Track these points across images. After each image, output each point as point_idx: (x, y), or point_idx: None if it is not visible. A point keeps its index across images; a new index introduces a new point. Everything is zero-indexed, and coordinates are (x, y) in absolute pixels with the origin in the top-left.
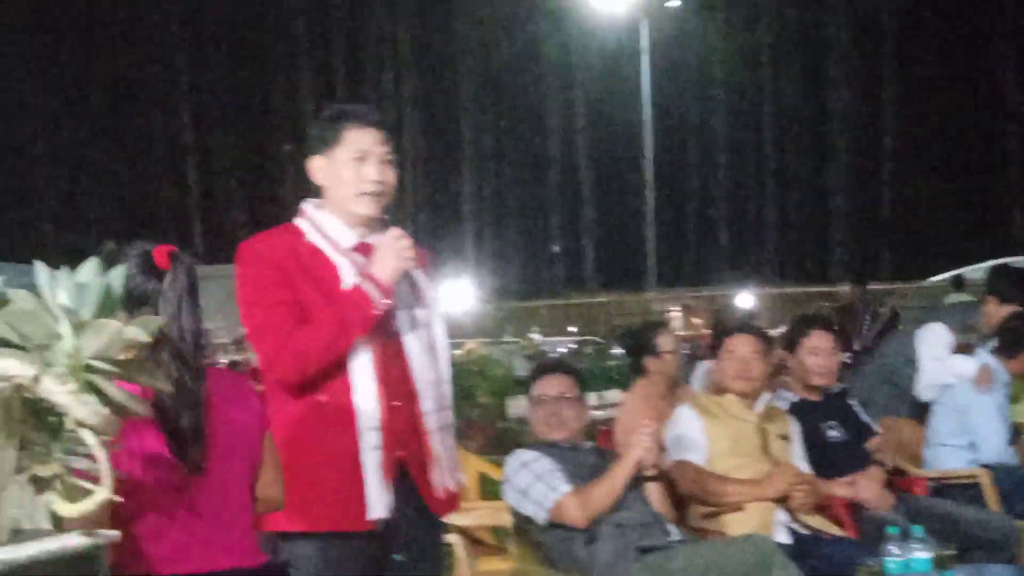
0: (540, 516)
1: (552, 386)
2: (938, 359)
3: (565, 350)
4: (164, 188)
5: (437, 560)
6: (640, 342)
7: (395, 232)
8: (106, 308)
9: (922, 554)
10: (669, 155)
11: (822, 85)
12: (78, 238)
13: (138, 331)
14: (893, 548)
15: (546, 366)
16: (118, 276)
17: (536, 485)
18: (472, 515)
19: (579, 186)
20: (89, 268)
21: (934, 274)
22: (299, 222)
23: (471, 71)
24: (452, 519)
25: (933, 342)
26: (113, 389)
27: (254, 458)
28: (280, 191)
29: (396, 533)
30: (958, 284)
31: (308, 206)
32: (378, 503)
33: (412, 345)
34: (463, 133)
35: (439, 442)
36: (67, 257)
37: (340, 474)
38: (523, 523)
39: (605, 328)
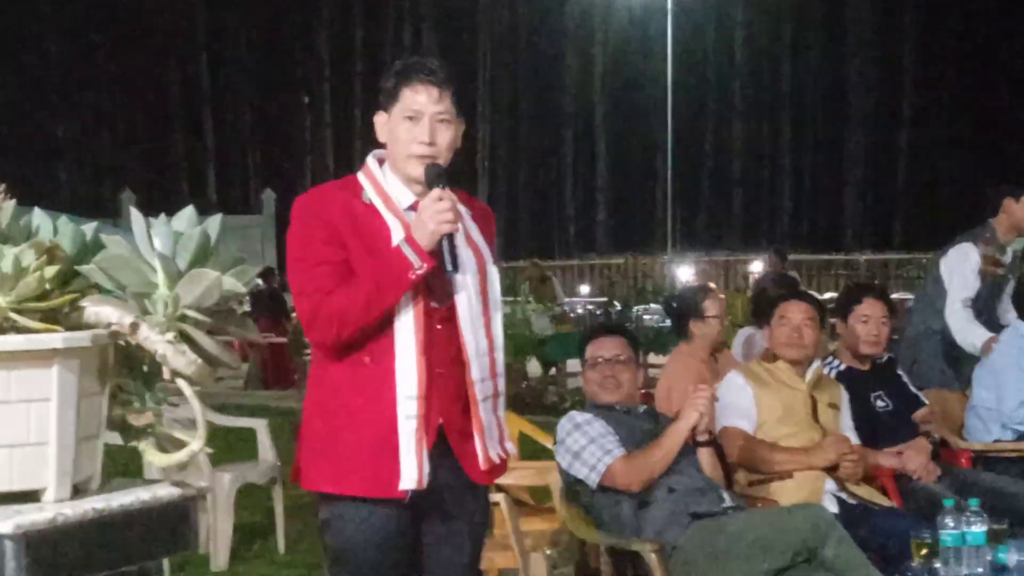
0: (592, 479)
1: (607, 348)
2: (966, 285)
3: (583, 311)
4: (179, 137)
5: (476, 528)
6: (687, 305)
7: (435, 194)
8: (202, 257)
9: (977, 528)
10: (687, 119)
11: (844, 51)
12: (92, 186)
13: (235, 282)
14: (948, 521)
15: (601, 327)
16: (215, 224)
17: (589, 448)
18: (512, 475)
19: (594, 147)
20: (185, 216)
21: (945, 246)
22: (360, 177)
23: (491, 25)
24: None
25: (960, 265)
26: (207, 340)
27: None
28: (296, 142)
29: (431, 501)
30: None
31: (371, 161)
32: (410, 474)
33: (464, 310)
34: (480, 87)
35: (486, 411)
36: (81, 205)
37: (375, 441)
38: (573, 485)
39: (625, 290)
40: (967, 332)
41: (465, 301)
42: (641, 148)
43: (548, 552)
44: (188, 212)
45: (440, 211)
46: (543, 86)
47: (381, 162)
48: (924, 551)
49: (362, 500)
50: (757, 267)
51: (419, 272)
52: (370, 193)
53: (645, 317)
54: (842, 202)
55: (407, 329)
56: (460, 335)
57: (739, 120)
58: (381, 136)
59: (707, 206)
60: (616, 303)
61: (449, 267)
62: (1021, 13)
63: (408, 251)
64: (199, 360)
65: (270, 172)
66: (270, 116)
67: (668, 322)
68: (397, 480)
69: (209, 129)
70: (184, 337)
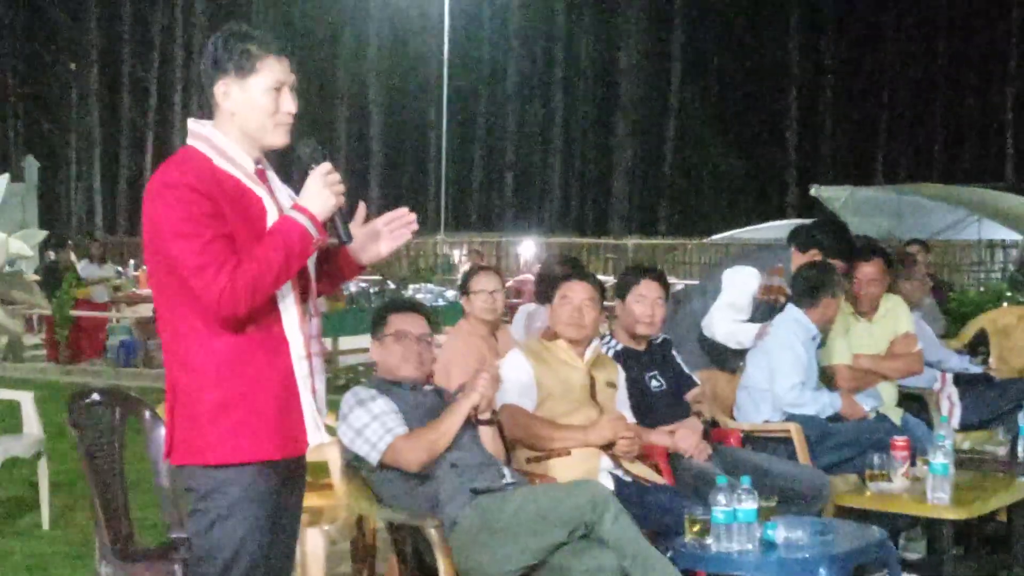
0: (372, 457)
1: (416, 325)
2: (734, 305)
3: (356, 289)
4: None
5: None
6: (462, 283)
7: (326, 167)
8: None
9: (748, 505)
10: (461, 101)
11: (615, 38)
12: None
13: (23, 245)
14: (720, 498)
15: (407, 303)
16: (1, 185)
17: (372, 425)
18: None
19: (368, 126)
20: None
21: (710, 233)
22: (199, 147)
23: None
24: None
25: (739, 286)
26: None
27: None
28: (61, 110)
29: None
30: None
31: (203, 129)
32: (318, 428)
33: (312, 268)
34: None
35: (321, 365)
36: None
37: (281, 404)
38: (354, 461)
39: (401, 268)
40: (735, 334)
41: (313, 259)
42: (415, 128)
43: (326, 528)
44: None
45: (335, 183)
46: (316, 62)
47: None
48: (696, 527)
49: (254, 464)
50: (528, 249)
51: (319, 243)
52: (222, 163)
53: (419, 296)
54: (610, 187)
55: (288, 293)
56: (311, 289)
57: (512, 103)
58: (228, 106)
59: (479, 187)
60: (390, 282)
61: (345, 238)
62: (787, 4)
63: (306, 222)
64: None
65: (32, 139)
66: (34, 82)
67: (441, 301)
68: (304, 438)
69: None
70: None
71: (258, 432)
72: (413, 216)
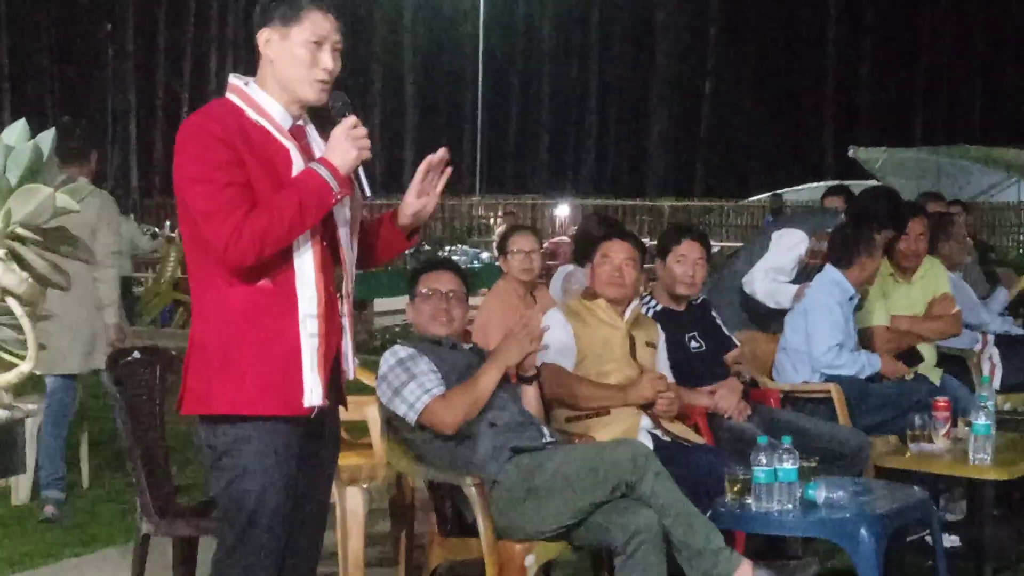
0: (410, 417)
1: (443, 281)
2: (779, 267)
3: None
4: None
5: (337, 448)
6: (500, 243)
7: (351, 120)
8: (34, 173)
9: (789, 465)
10: (497, 62)
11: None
12: None
13: (69, 199)
14: (761, 458)
15: (436, 262)
16: (47, 139)
17: (410, 385)
18: None
19: (403, 86)
20: (17, 129)
21: (747, 195)
22: (234, 99)
23: None
24: None
25: (786, 249)
26: (36, 258)
27: None
28: (97, 72)
29: (324, 418)
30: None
31: (239, 82)
32: (313, 391)
33: (343, 226)
34: None
35: (351, 325)
36: None
37: (283, 361)
38: (393, 420)
39: (437, 230)
40: (775, 293)
41: (343, 217)
42: (450, 89)
43: (365, 486)
44: (20, 125)
45: (359, 137)
46: (352, 22)
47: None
48: (737, 487)
49: (265, 419)
50: (563, 211)
51: (339, 196)
52: (253, 115)
53: (455, 257)
54: (646, 149)
55: (305, 248)
56: (341, 252)
57: (548, 64)
58: (268, 53)
59: (514, 149)
60: (426, 244)
61: (368, 192)
62: None
63: (327, 175)
64: (30, 279)
65: (69, 101)
66: (69, 43)
67: (476, 263)
68: (301, 399)
69: (4, 54)
70: (14, 255)
71: (262, 387)
72: (444, 153)
